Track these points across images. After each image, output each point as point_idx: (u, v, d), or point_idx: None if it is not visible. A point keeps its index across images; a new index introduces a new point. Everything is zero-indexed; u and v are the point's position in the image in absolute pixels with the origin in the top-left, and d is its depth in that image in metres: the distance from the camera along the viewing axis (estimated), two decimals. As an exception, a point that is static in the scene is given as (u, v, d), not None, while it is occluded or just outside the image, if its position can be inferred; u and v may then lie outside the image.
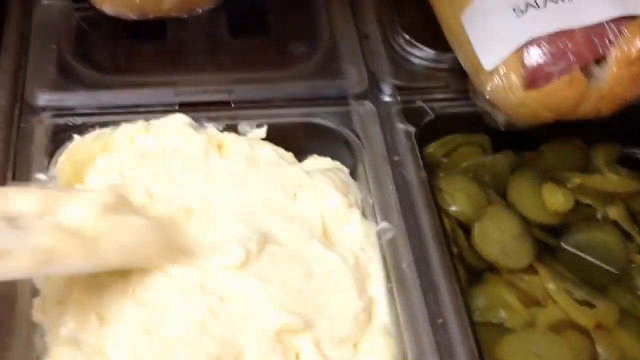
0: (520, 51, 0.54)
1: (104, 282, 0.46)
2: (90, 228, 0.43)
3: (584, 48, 0.53)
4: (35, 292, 0.47)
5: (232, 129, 0.57)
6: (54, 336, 0.45)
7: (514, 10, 0.55)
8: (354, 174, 0.57)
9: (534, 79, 0.53)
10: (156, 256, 0.47)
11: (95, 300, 0.45)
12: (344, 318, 0.47)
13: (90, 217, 0.44)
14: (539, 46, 0.54)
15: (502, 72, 0.54)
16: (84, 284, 0.46)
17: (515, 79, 0.54)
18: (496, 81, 0.54)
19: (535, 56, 0.53)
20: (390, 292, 0.50)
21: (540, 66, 0.53)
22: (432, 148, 0.60)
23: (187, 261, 0.47)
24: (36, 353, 0.45)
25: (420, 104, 0.59)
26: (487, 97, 0.55)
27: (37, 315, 0.46)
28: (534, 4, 0.55)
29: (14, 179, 0.53)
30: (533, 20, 0.54)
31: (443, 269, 0.50)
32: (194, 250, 0.48)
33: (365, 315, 0.48)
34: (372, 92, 0.60)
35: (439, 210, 0.54)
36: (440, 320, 0.48)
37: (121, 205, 0.46)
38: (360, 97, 0.60)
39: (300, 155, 0.58)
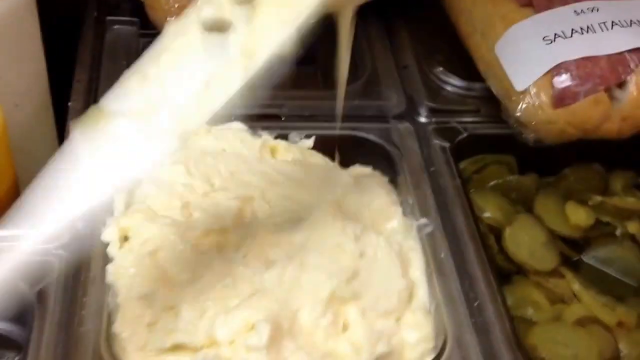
0: (549, 73, 0.60)
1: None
2: None
3: (607, 72, 0.60)
4: (107, 260, 0.52)
5: (283, 138, 0.63)
6: (125, 295, 0.49)
7: (544, 39, 0.61)
8: (393, 182, 0.62)
9: (562, 97, 0.59)
10: None
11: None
12: (388, 293, 0.51)
13: None
14: (567, 69, 0.60)
15: (532, 92, 0.60)
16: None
17: (544, 98, 0.60)
18: (527, 100, 0.60)
19: (563, 78, 0.60)
20: (429, 277, 0.54)
21: (567, 87, 0.59)
22: (464, 165, 0.65)
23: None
24: (108, 310, 0.50)
25: (453, 124, 0.65)
26: (518, 115, 0.61)
27: (110, 277, 0.51)
28: (562, 34, 0.61)
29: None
30: (561, 48, 0.61)
31: (478, 260, 0.55)
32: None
33: (407, 293, 0.52)
34: (409, 113, 0.66)
35: (473, 215, 0.59)
36: (477, 303, 0.52)
37: None
38: (398, 116, 0.66)
39: (344, 166, 0.63)
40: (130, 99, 0.42)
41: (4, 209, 0.56)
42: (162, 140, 0.41)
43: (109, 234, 0.53)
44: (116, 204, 0.55)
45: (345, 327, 0.50)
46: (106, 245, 0.53)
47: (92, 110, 0.43)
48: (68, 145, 0.42)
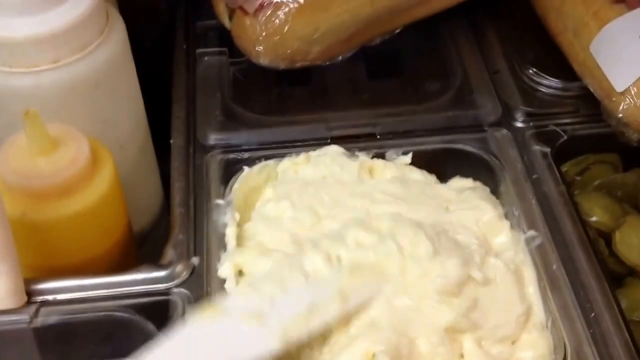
0: (651, 72, 0.59)
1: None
2: None
3: None
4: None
5: (380, 156, 0.63)
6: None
7: (640, 37, 0.60)
8: (495, 193, 0.62)
9: (664, 96, 0.58)
10: None
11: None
12: (507, 320, 0.52)
13: None
14: (667, 67, 0.58)
15: (633, 92, 0.59)
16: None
17: (646, 97, 0.59)
18: (628, 100, 0.59)
19: (664, 76, 0.58)
20: (543, 291, 0.54)
21: (669, 84, 0.58)
22: (566, 167, 0.64)
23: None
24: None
25: (552, 127, 0.64)
26: (620, 116, 0.60)
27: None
28: (659, 33, 0.60)
29: (195, 204, 0.60)
30: (659, 45, 0.59)
31: (590, 269, 0.54)
32: None
33: (525, 316, 0.52)
34: (506, 119, 0.66)
35: (580, 220, 0.58)
36: (593, 314, 0.52)
37: None
38: (494, 124, 0.65)
39: (443, 179, 0.63)
40: (243, 302, 0.50)
41: (121, 251, 0.59)
42: (266, 341, 0.48)
43: (225, 270, 0.55)
44: (228, 238, 0.57)
45: (461, 355, 0.50)
46: (223, 281, 0.55)
47: (208, 304, 0.50)
48: (182, 329, 0.49)
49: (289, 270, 0.52)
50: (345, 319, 0.50)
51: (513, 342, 0.52)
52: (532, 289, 0.54)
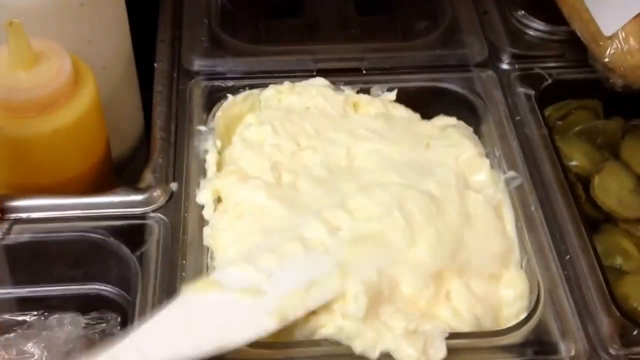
0: (638, 17, 0.58)
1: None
2: None
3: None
4: (203, 222, 0.54)
5: (365, 92, 0.63)
6: (222, 258, 0.51)
7: (632, -19, 0.60)
8: (477, 133, 0.61)
9: (651, 41, 0.58)
10: None
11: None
12: (491, 258, 0.52)
13: None
14: (657, 12, 0.58)
15: (621, 37, 0.59)
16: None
17: (634, 42, 0.59)
18: (615, 45, 0.59)
19: (653, 21, 0.58)
20: (520, 231, 0.54)
21: (658, 30, 0.58)
22: (548, 111, 0.64)
23: None
24: (207, 273, 0.51)
25: (537, 70, 0.64)
26: (606, 60, 0.60)
27: (207, 240, 0.53)
28: (650, -23, 0.59)
29: (176, 130, 0.60)
30: (650, -10, 0.59)
31: (568, 212, 0.55)
32: None
33: (506, 252, 0.53)
34: (492, 60, 0.66)
35: (560, 164, 0.58)
36: (568, 257, 0.53)
37: None
38: (480, 64, 0.65)
39: (427, 117, 0.63)
40: (239, 278, 0.47)
41: (98, 174, 0.59)
42: (261, 318, 0.46)
43: (204, 196, 0.54)
44: (208, 164, 0.56)
45: (448, 297, 0.50)
46: (201, 207, 0.54)
47: (203, 278, 0.49)
48: (176, 302, 0.47)
49: (289, 240, 0.50)
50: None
51: (496, 280, 0.52)
52: (509, 228, 0.54)
